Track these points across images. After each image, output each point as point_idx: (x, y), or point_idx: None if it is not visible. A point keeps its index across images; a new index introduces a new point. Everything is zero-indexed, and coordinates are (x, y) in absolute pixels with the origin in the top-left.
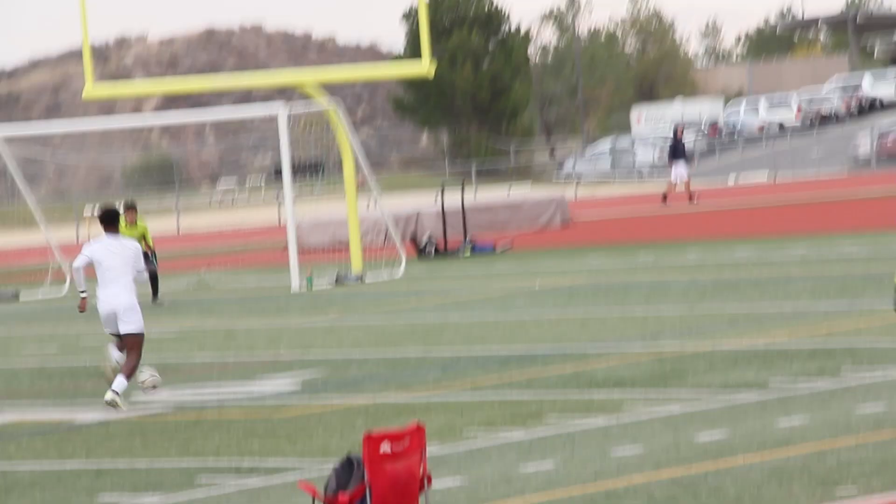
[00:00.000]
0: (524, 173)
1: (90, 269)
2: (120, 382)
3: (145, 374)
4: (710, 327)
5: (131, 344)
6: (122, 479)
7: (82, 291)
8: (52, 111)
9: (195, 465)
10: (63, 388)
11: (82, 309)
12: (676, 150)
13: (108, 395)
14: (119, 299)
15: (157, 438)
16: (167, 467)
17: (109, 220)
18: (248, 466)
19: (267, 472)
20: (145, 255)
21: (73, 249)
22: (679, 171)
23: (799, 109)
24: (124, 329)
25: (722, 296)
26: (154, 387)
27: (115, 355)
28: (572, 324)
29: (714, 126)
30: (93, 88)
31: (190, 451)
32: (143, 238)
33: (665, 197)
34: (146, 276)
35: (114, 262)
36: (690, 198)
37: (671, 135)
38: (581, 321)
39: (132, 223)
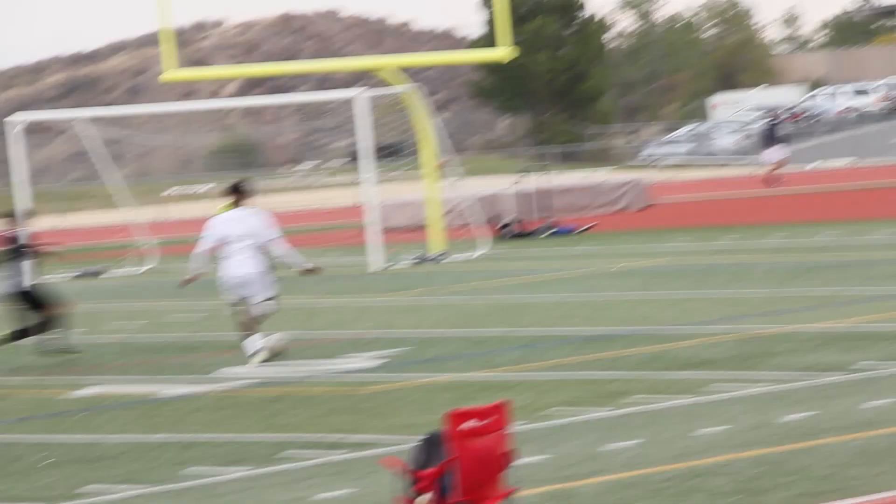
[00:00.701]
0: (603, 157)
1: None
2: (253, 341)
3: (273, 338)
4: (793, 309)
5: (259, 309)
6: (207, 452)
7: (196, 269)
8: (132, 94)
9: (280, 439)
10: (149, 363)
11: (187, 283)
12: (772, 134)
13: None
14: (246, 268)
15: (242, 413)
16: (252, 441)
17: (239, 193)
18: (333, 441)
19: (351, 447)
20: None
21: (154, 228)
22: (773, 153)
23: (885, 98)
24: (253, 297)
25: (805, 278)
26: (277, 351)
27: (274, 338)
28: (655, 304)
29: (795, 113)
30: (172, 72)
31: (275, 426)
32: None
33: (767, 181)
34: (279, 244)
35: (241, 233)
36: (773, 182)
37: (766, 119)
38: (663, 302)
39: (237, 203)
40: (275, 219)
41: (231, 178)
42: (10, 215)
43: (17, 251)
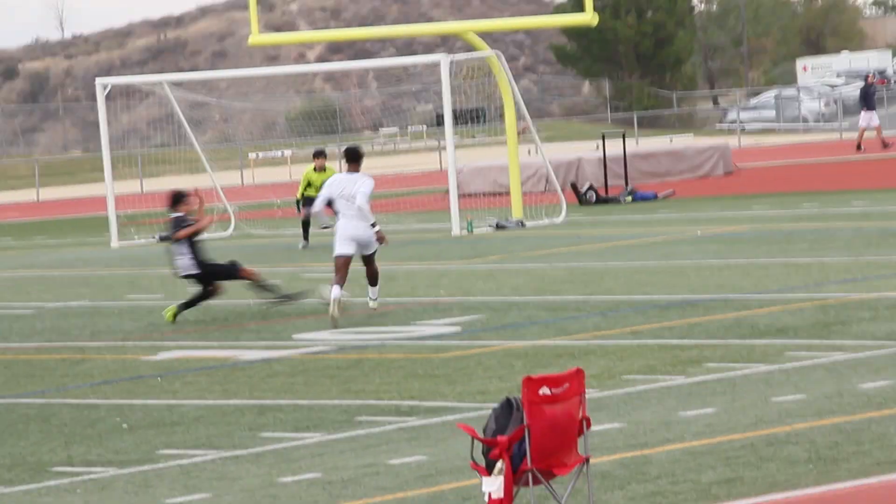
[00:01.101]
0: (686, 122)
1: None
2: (372, 291)
3: (335, 291)
4: (875, 276)
5: (370, 260)
6: (283, 416)
7: (325, 227)
8: (218, 58)
9: (355, 405)
10: (227, 328)
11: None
12: (867, 97)
13: (371, 304)
14: (358, 230)
15: (318, 378)
16: (327, 406)
17: (351, 158)
18: (408, 407)
19: (426, 412)
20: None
21: (237, 192)
22: (868, 118)
23: None
24: (365, 252)
25: (888, 245)
26: (335, 306)
27: (335, 293)
28: (734, 271)
29: (882, 77)
30: (257, 36)
31: (350, 392)
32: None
33: (859, 145)
34: (361, 203)
35: (349, 195)
36: (885, 144)
37: (862, 82)
38: (743, 268)
39: (321, 169)
40: (371, 187)
41: (314, 143)
42: (178, 199)
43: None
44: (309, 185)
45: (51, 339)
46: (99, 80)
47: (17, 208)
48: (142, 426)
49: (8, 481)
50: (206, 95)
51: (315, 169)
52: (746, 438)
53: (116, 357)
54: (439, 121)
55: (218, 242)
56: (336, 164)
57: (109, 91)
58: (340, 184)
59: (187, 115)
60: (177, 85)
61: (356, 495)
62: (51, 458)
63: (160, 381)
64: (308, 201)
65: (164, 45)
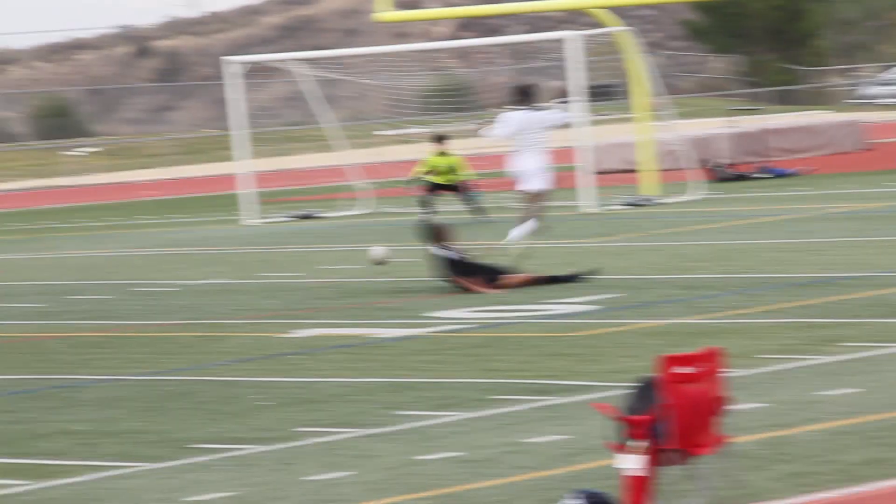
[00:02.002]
0: (819, 98)
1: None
2: (517, 232)
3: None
4: None
5: (527, 199)
6: (420, 394)
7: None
8: (347, 35)
9: (491, 383)
10: (362, 306)
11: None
12: None
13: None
14: (524, 163)
15: (453, 357)
16: (463, 385)
17: (525, 95)
18: (545, 385)
19: (563, 391)
20: (455, 188)
21: (369, 170)
22: None
23: None
24: (521, 187)
25: None
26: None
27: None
28: (872, 249)
29: None
30: (384, 12)
31: (486, 370)
32: (452, 170)
33: None
34: (562, 120)
35: (525, 130)
36: None
37: None
38: (881, 246)
39: (442, 153)
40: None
41: (442, 122)
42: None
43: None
44: (432, 170)
45: (191, 317)
46: (226, 59)
47: (154, 186)
48: (281, 403)
49: (151, 458)
50: (336, 72)
51: (438, 154)
52: (888, 419)
53: (254, 334)
54: (568, 98)
55: (350, 220)
56: (454, 144)
57: (240, 69)
58: (528, 119)
59: (318, 92)
60: (308, 62)
61: (495, 474)
62: (192, 434)
63: (297, 358)
64: (435, 187)
65: (295, 23)
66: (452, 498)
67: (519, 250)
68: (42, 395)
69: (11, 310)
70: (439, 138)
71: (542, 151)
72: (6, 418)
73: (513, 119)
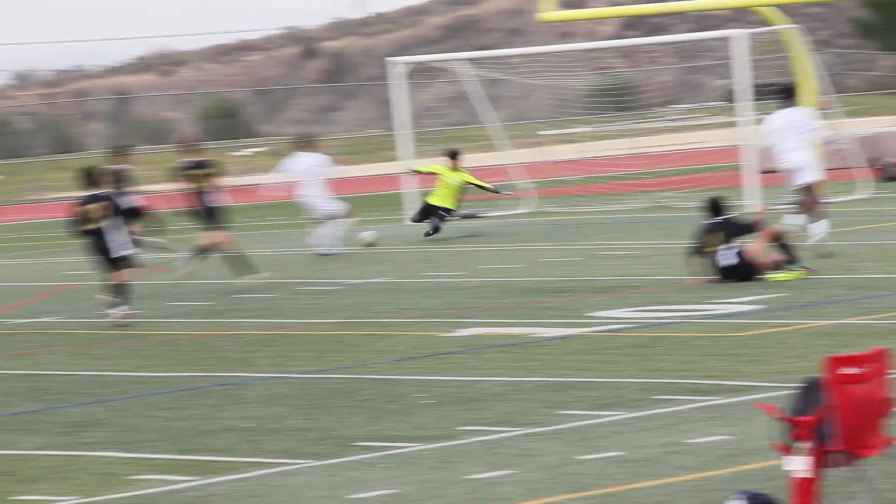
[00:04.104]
0: None
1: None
2: (817, 228)
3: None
4: None
5: (803, 192)
6: (583, 394)
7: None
8: (511, 35)
9: (653, 383)
10: (524, 305)
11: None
12: None
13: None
14: (795, 158)
15: (615, 356)
16: (625, 385)
17: (787, 93)
18: (707, 385)
19: (726, 391)
20: (445, 211)
21: (531, 169)
22: None
23: None
24: (796, 182)
25: None
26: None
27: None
28: None
29: None
30: (548, 12)
31: (648, 370)
32: (458, 190)
33: None
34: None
35: (789, 126)
36: None
37: None
38: None
39: (454, 169)
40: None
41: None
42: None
43: None
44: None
45: (354, 316)
46: (391, 60)
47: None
48: (443, 402)
49: (315, 455)
50: (500, 72)
51: (451, 169)
52: None
53: (417, 333)
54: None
55: (514, 219)
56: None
57: (405, 69)
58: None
59: (482, 92)
60: (471, 62)
61: (657, 474)
62: (355, 432)
63: (460, 357)
64: (432, 209)
65: (459, 23)
66: (613, 498)
67: (820, 242)
68: (208, 392)
69: (178, 308)
70: (453, 154)
71: (810, 146)
72: (174, 415)
73: (776, 119)
